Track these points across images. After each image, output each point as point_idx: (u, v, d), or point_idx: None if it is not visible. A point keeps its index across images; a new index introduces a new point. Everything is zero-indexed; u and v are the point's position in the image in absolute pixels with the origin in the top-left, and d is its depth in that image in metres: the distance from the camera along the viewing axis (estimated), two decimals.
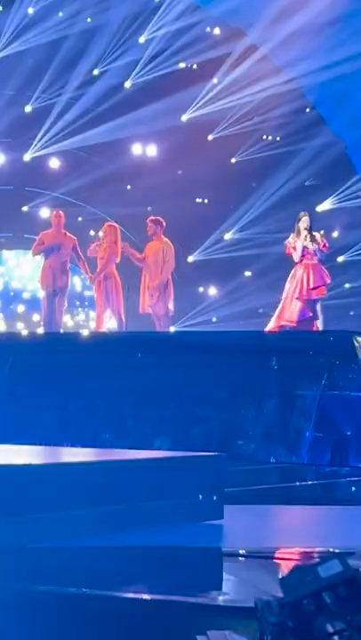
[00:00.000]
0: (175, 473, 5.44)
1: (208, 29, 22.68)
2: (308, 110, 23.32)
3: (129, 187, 23.93)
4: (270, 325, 15.02)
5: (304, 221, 14.65)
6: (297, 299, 14.57)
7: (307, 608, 2.33)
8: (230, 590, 3.92)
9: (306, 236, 14.55)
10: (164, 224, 16.34)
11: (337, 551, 2.41)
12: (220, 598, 3.55)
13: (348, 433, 10.53)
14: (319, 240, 14.71)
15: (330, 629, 2.30)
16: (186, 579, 4.02)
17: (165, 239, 16.33)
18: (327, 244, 14.84)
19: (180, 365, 11.17)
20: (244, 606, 2.88)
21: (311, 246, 14.48)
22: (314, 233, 14.73)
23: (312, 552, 4.06)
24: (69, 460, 5.78)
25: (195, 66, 22.80)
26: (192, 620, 3.09)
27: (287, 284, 14.86)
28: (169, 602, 3.33)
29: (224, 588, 3.98)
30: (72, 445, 10.16)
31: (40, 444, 9.02)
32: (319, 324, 14.49)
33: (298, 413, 10.79)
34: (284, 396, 10.87)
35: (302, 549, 4.36)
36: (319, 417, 10.60)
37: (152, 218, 16.57)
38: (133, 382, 11.29)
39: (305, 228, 14.55)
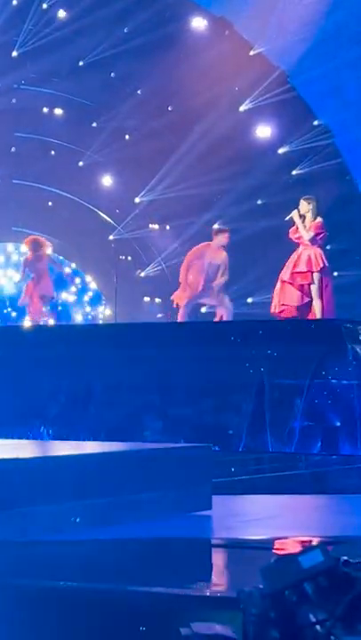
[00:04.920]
0: (163, 464, 5.45)
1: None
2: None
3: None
4: (273, 308, 14.90)
5: (300, 209, 14.54)
6: (286, 282, 14.54)
7: (288, 598, 2.34)
8: (215, 581, 3.93)
9: (298, 226, 14.46)
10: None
11: (320, 541, 2.41)
12: (205, 590, 3.56)
13: (338, 422, 10.55)
14: (309, 227, 14.52)
15: (312, 619, 2.31)
16: (172, 570, 4.03)
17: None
18: (319, 230, 14.55)
19: (164, 356, 11.19)
20: (228, 597, 2.89)
21: (306, 236, 14.37)
22: (306, 221, 14.51)
23: (297, 542, 4.08)
24: (56, 453, 5.79)
25: None
26: (177, 612, 3.10)
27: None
28: (153, 594, 3.35)
29: (209, 580, 4.00)
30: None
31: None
32: (317, 311, 14.34)
33: (287, 402, 10.81)
34: (273, 386, 10.88)
35: (288, 539, 4.37)
36: (308, 406, 10.62)
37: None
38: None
39: (300, 216, 14.43)
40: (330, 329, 11.51)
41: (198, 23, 22.75)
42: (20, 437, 8.88)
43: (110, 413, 11.31)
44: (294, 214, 14.63)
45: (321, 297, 14.39)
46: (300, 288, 14.48)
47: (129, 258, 24.72)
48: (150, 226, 24.10)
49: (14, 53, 22.01)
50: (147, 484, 5.23)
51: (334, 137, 22.99)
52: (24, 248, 18.52)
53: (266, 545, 4.37)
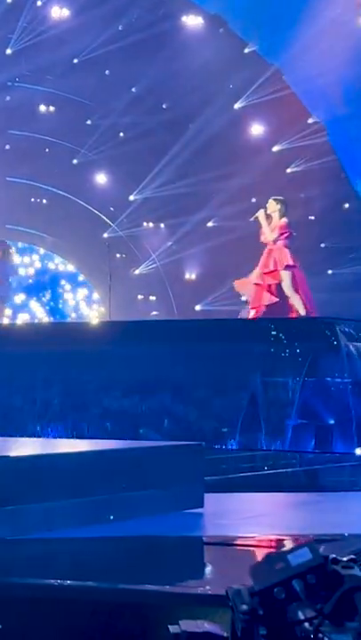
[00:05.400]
0: (155, 462, 5.45)
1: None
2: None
3: None
4: (251, 310, 14.95)
5: (267, 208, 14.65)
6: (256, 284, 14.65)
7: (277, 596, 2.33)
8: (205, 579, 3.93)
9: (262, 226, 14.59)
10: None
11: (308, 539, 2.41)
12: (195, 587, 3.56)
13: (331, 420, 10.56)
14: (273, 227, 14.59)
15: (300, 617, 2.30)
16: (162, 568, 4.02)
17: None
18: (283, 230, 14.57)
19: (159, 354, 11.19)
20: (218, 595, 2.89)
21: (270, 236, 14.49)
22: (273, 221, 14.57)
23: (288, 539, 4.08)
24: (47, 451, 5.78)
25: None
26: (166, 610, 3.10)
27: None
28: (143, 591, 3.35)
29: (199, 577, 3.99)
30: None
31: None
32: (298, 307, 14.38)
33: (281, 400, 10.81)
34: (267, 383, 10.89)
35: (279, 537, 4.38)
36: (302, 403, 10.63)
37: None
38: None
39: (266, 216, 14.53)
40: (324, 327, 11.51)
41: (193, 21, 22.76)
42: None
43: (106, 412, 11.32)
44: (260, 214, 14.72)
45: (297, 292, 14.46)
46: (269, 288, 14.56)
47: (124, 255, 24.74)
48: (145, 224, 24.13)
49: (8, 51, 22.00)
50: (139, 482, 5.23)
51: (329, 135, 23.01)
52: None
53: (256, 543, 4.37)
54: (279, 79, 22.65)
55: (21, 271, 24.18)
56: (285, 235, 14.59)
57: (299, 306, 14.34)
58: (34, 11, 21.77)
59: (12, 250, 19.06)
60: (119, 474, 5.18)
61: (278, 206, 14.70)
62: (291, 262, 14.46)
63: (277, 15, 21.02)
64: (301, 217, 23.23)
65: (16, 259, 20.10)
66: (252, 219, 15.05)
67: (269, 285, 14.57)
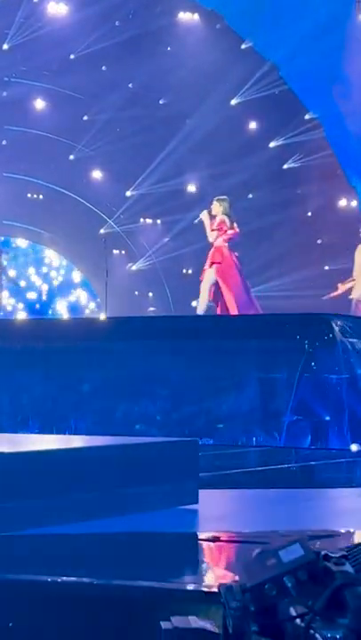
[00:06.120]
0: (149, 458, 5.44)
1: None
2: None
3: None
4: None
5: (211, 209, 14.74)
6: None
7: (268, 592, 2.32)
8: (197, 575, 3.93)
9: (205, 227, 14.69)
10: None
11: (300, 535, 2.40)
12: (187, 584, 3.55)
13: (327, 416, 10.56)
14: (213, 227, 14.68)
15: (291, 613, 2.30)
16: (155, 564, 4.02)
17: None
18: (220, 226, 14.61)
19: (156, 351, 11.18)
20: (210, 591, 2.89)
21: (210, 237, 14.63)
22: (216, 221, 14.63)
23: (280, 536, 4.07)
24: (42, 447, 5.76)
25: None
26: (158, 606, 3.10)
27: None
28: (135, 587, 3.34)
29: (192, 573, 3.99)
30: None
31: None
32: (229, 304, 14.47)
33: (277, 397, 10.82)
34: (263, 380, 10.89)
35: (272, 533, 4.37)
36: (298, 400, 10.63)
37: None
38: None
39: (211, 217, 14.62)
40: (320, 323, 11.51)
41: (189, 17, 22.74)
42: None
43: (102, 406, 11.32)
44: (204, 215, 14.79)
45: (231, 290, 14.53)
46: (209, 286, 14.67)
47: (122, 252, 24.74)
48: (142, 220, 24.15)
49: (5, 46, 21.98)
50: (132, 478, 5.22)
51: (325, 131, 23.02)
52: None
53: (248, 539, 4.37)
54: (276, 75, 22.64)
55: None
56: (221, 231, 14.64)
57: (230, 303, 14.44)
58: (31, 6, 21.76)
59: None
60: (112, 470, 5.17)
61: (221, 207, 14.79)
62: (218, 260, 14.55)
63: (274, 11, 21.01)
64: (298, 213, 23.26)
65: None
66: (196, 220, 15.20)
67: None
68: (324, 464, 9.22)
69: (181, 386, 11.09)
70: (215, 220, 14.62)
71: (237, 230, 14.80)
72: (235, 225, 14.75)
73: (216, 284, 14.50)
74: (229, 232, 14.58)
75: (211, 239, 14.64)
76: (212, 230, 14.58)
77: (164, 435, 9.53)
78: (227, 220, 14.58)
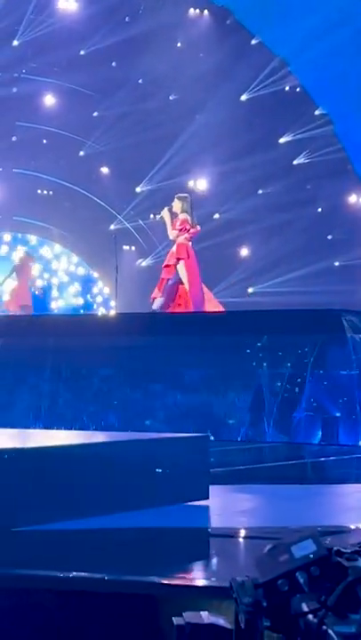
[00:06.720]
0: (161, 454, 5.45)
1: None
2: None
3: None
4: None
5: (172, 206, 14.78)
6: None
7: (280, 588, 2.33)
8: (209, 571, 3.93)
9: (167, 225, 14.75)
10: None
11: (312, 530, 2.41)
12: (199, 579, 3.56)
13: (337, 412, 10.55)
14: (174, 225, 14.74)
15: (304, 609, 2.30)
16: (167, 560, 4.03)
17: None
18: (181, 225, 14.65)
19: (165, 346, 11.19)
20: (222, 587, 2.89)
21: (170, 235, 14.71)
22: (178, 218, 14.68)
23: (292, 532, 4.06)
24: (52, 443, 5.78)
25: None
26: (170, 601, 3.10)
27: None
28: (147, 583, 3.35)
29: (203, 569, 4.00)
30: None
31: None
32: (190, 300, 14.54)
33: (287, 392, 10.81)
34: (273, 376, 10.88)
35: (283, 529, 4.37)
36: (309, 396, 10.62)
37: None
38: None
39: (168, 215, 14.66)
40: (331, 319, 11.50)
41: (199, 12, 22.72)
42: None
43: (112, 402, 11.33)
44: (164, 213, 14.80)
45: (193, 286, 14.54)
46: (161, 282, 14.67)
47: (132, 248, 24.73)
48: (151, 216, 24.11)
49: (15, 42, 21.97)
50: (144, 474, 5.23)
51: (335, 126, 22.97)
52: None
53: (260, 535, 4.37)
54: (286, 71, 22.61)
55: None
56: (183, 230, 14.65)
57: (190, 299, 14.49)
58: (41, 2, 21.75)
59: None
60: (123, 465, 5.17)
61: (180, 204, 14.80)
62: (183, 256, 14.57)
63: (284, 6, 20.96)
64: (308, 209, 23.22)
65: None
66: (158, 217, 15.22)
67: (162, 279, 14.75)
68: (334, 460, 9.21)
69: (192, 380, 11.11)
70: (177, 220, 14.67)
71: (199, 229, 14.84)
72: (195, 223, 14.77)
73: (174, 280, 14.55)
74: (192, 231, 14.64)
75: (172, 237, 14.71)
76: (174, 229, 14.67)
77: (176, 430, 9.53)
78: (188, 219, 14.64)
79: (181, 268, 14.46)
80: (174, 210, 14.77)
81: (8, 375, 11.69)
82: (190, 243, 14.63)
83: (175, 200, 14.88)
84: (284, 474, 7.89)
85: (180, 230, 14.60)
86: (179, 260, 14.52)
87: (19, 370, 11.73)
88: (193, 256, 14.66)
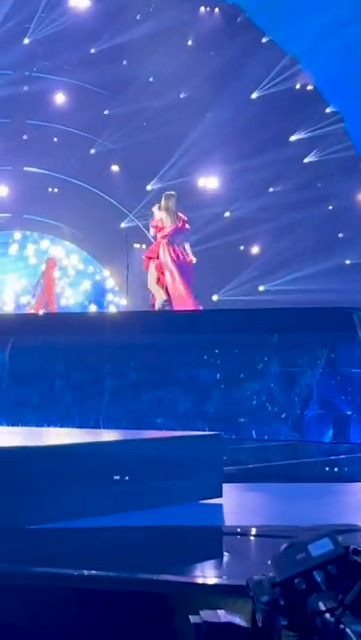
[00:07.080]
0: (174, 452, 5.45)
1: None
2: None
3: None
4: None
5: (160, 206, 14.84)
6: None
7: (297, 587, 2.34)
8: (225, 569, 3.94)
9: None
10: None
11: (329, 529, 2.41)
12: (215, 578, 3.57)
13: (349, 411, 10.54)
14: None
15: (321, 607, 2.31)
16: (182, 558, 4.03)
17: None
18: (160, 226, 14.71)
19: (176, 344, 11.19)
20: (238, 585, 2.89)
21: (151, 232, 14.89)
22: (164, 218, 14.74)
23: (308, 530, 4.08)
24: (66, 441, 5.79)
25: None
26: (187, 600, 3.11)
27: None
28: (163, 582, 3.36)
29: (219, 568, 4.00)
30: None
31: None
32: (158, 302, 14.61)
33: (298, 390, 10.81)
34: (284, 374, 10.88)
35: (299, 527, 4.38)
36: (320, 394, 10.62)
37: None
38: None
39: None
40: (342, 317, 11.49)
41: (210, 10, 22.72)
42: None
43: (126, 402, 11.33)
44: (155, 209, 14.84)
45: (158, 283, 14.59)
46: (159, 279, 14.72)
47: (143, 246, 24.76)
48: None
49: (26, 41, 22.01)
50: (157, 472, 5.24)
51: (346, 124, 22.95)
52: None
53: (276, 533, 4.38)
54: (296, 69, 22.59)
55: None
56: (158, 229, 14.70)
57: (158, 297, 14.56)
58: (52, 0, 21.79)
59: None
60: (137, 464, 5.18)
61: (164, 202, 14.87)
62: (153, 255, 14.63)
63: (294, 4, 20.95)
64: (319, 207, 23.20)
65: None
66: (149, 212, 15.30)
67: (158, 278, 14.80)
68: (345, 458, 9.21)
69: (206, 378, 11.11)
70: (155, 218, 14.76)
71: (175, 227, 14.82)
72: (173, 221, 14.76)
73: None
74: (166, 230, 14.67)
75: (151, 234, 14.82)
76: (151, 227, 14.77)
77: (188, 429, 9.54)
78: (164, 218, 14.66)
79: (152, 268, 14.56)
80: (162, 207, 14.85)
81: (24, 372, 11.73)
82: (166, 240, 14.64)
83: (162, 200, 14.96)
84: (295, 472, 7.89)
85: (155, 228, 14.71)
86: (149, 258, 14.62)
87: (32, 367, 11.75)
88: (168, 254, 14.66)
